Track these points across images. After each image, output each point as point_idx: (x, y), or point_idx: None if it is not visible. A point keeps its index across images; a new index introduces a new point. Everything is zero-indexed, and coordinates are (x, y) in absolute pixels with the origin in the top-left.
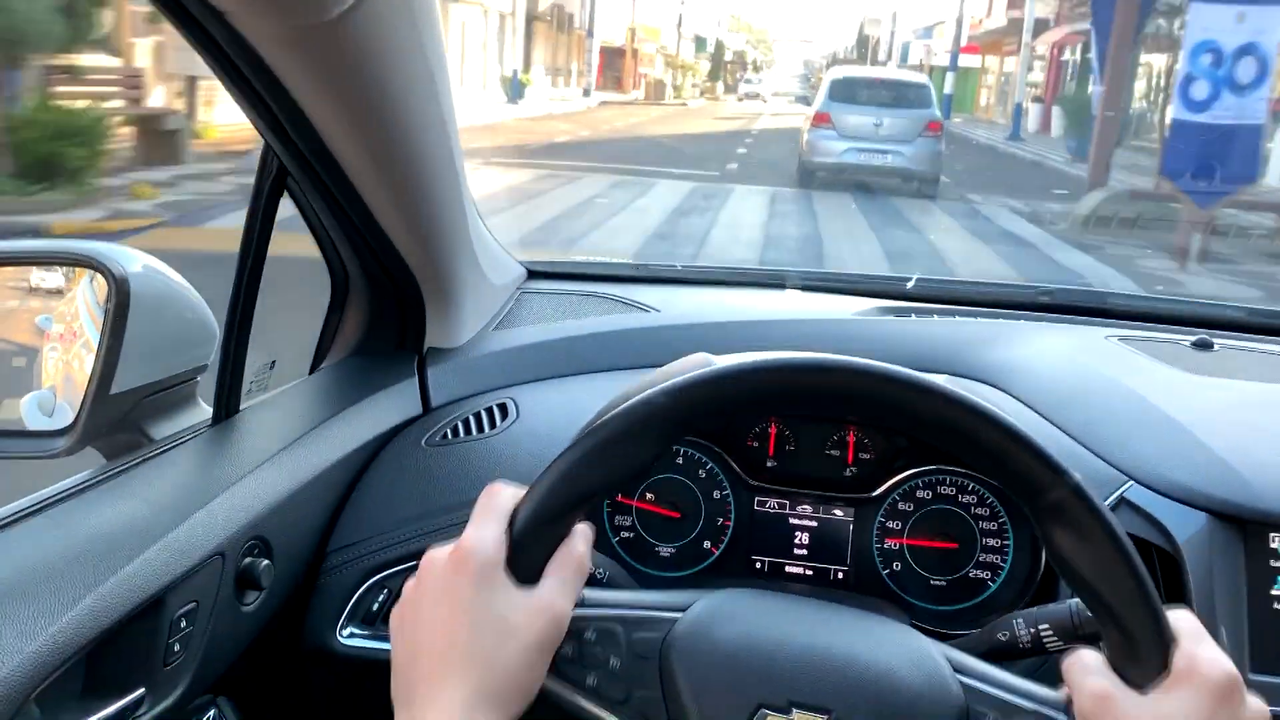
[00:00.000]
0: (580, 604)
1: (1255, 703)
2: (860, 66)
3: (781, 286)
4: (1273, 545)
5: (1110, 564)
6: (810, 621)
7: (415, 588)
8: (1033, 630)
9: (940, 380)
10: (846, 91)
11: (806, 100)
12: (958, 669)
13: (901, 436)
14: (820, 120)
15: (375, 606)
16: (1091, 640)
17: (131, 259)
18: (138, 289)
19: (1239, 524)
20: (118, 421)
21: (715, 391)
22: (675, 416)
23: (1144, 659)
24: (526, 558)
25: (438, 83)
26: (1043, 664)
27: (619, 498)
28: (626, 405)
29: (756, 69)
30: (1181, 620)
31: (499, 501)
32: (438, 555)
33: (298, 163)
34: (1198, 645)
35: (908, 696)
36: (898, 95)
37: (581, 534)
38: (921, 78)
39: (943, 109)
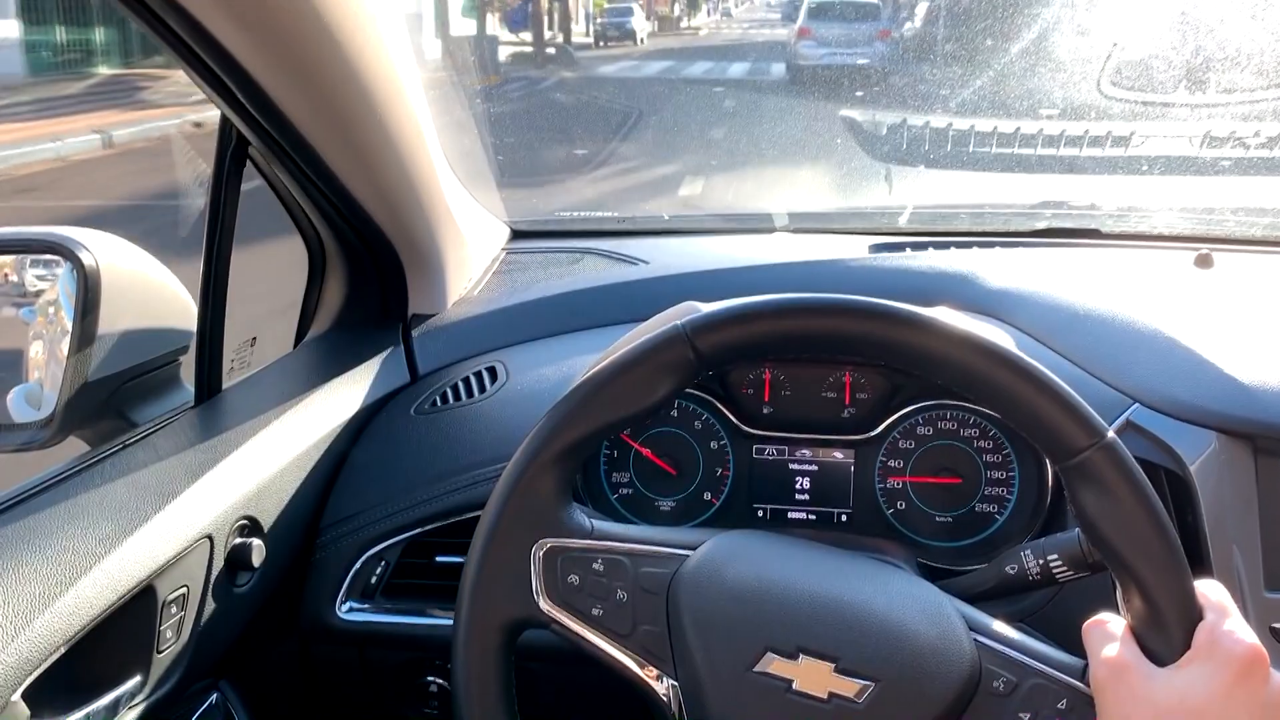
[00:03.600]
0: (590, 534)
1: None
2: None
3: (770, 231)
4: None
5: (1141, 531)
6: (822, 567)
7: None
8: (1041, 561)
9: (955, 320)
10: (820, 11)
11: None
12: (973, 627)
13: (899, 374)
14: (803, 33)
15: (373, 580)
16: (1100, 569)
17: (100, 244)
18: (108, 274)
19: (1249, 440)
20: (99, 409)
21: (726, 335)
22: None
23: (1168, 631)
24: None
25: (387, 45)
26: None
27: (614, 452)
28: (585, 377)
29: None
30: (1209, 592)
31: None
32: None
33: (257, 132)
34: (1223, 620)
35: (919, 651)
36: (858, 11)
37: None
38: None
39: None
